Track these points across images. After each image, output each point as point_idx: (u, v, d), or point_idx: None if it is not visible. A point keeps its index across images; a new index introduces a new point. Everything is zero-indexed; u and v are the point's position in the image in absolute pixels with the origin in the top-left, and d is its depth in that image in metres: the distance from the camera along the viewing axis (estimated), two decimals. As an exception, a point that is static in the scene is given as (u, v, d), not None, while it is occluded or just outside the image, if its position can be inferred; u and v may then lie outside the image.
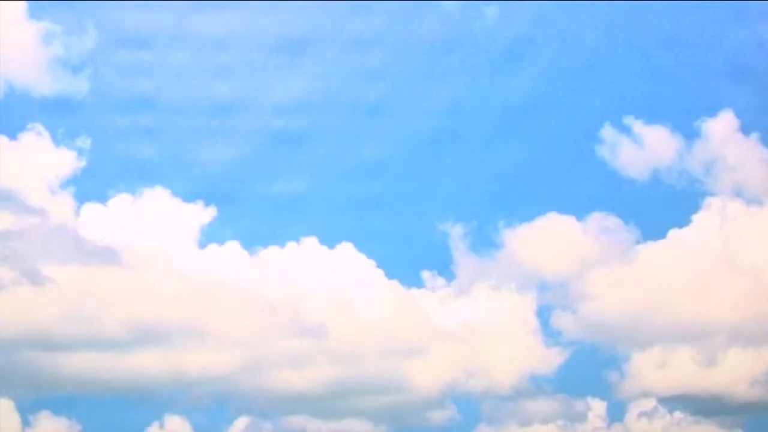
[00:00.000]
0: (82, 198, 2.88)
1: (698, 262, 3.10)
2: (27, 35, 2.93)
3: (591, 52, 2.92)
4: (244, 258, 3.00)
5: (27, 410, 2.92)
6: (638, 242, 3.00)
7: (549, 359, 3.17)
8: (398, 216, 2.80)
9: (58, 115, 2.86)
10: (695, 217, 3.11)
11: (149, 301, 2.98)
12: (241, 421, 3.12)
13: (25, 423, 2.95)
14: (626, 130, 2.98)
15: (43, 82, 2.86)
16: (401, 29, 2.90)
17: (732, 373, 3.11)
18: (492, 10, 2.91)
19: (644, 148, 3.05)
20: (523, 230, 2.91)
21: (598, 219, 3.02)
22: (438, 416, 3.59)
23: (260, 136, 2.90)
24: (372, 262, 3.06)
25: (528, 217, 2.90)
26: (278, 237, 2.89)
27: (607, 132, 2.91)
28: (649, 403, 3.12)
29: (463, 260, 3.05)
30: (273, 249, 2.99)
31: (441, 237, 2.84)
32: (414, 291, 3.31)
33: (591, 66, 2.90)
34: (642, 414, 3.13)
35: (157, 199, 2.90)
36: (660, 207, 3.10)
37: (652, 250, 3.04)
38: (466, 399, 3.20)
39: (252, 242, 2.88)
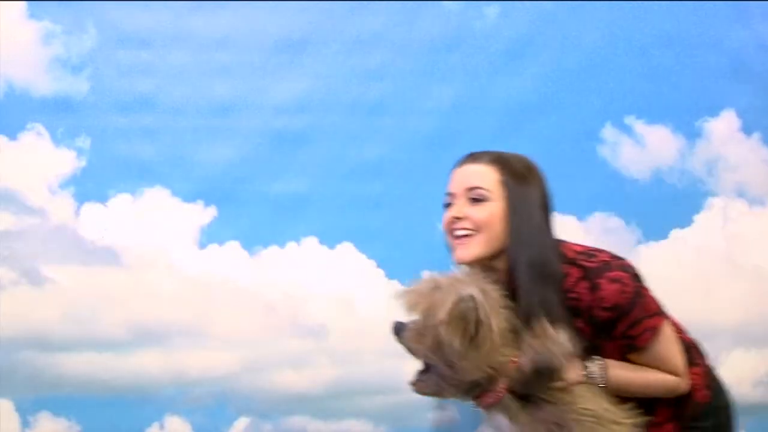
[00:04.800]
0: (82, 198, 2.86)
1: (700, 262, 3.09)
2: (27, 35, 2.92)
3: (591, 51, 2.90)
4: (244, 258, 2.97)
5: (26, 411, 2.91)
6: (640, 242, 2.99)
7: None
8: (399, 216, 2.78)
9: (58, 115, 2.85)
10: (697, 218, 3.10)
11: (149, 301, 2.96)
12: (241, 422, 3.10)
13: (25, 424, 2.95)
14: (627, 130, 2.97)
15: (43, 82, 2.85)
16: (401, 29, 2.88)
17: (735, 374, 3.10)
18: (492, 10, 2.89)
19: (646, 148, 3.04)
20: (523, 230, 2.92)
21: (599, 219, 3.01)
22: (438, 417, 3.58)
23: (260, 136, 2.88)
24: (372, 262, 3.03)
25: (529, 217, 2.92)
26: (278, 237, 2.86)
27: (609, 132, 2.89)
28: (651, 405, 3.13)
29: (464, 261, 3.05)
30: (273, 249, 2.95)
31: (442, 237, 2.82)
32: (415, 291, 3.30)
33: (592, 66, 2.88)
34: (644, 415, 3.13)
35: (157, 199, 2.87)
36: (662, 207, 3.09)
37: (653, 250, 3.02)
38: (467, 400, 3.20)
39: (252, 242, 2.85)
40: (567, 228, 3.45)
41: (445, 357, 1.36)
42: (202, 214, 3.10)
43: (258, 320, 3.13)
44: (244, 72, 3.11)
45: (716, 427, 1.59)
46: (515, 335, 1.41)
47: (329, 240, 3.12)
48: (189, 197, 3.14)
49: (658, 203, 3.21)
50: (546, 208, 1.57)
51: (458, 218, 1.48)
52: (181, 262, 3.16)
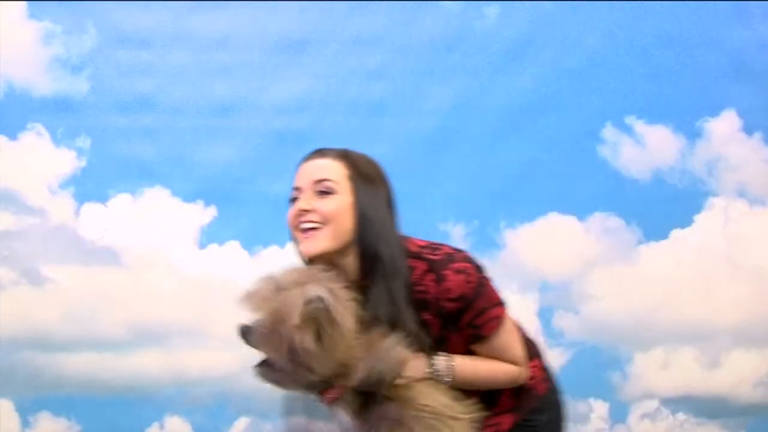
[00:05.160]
0: (82, 198, 2.86)
1: (701, 262, 3.08)
2: (27, 35, 2.92)
3: (592, 51, 2.89)
4: (244, 258, 2.96)
5: (27, 411, 2.91)
6: (640, 242, 2.99)
7: (551, 360, 3.16)
8: (399, 216, 2.79)
9: (58, 115, 2.85)
10: (698, 218, 3.09)
11: (149, 301, 2.95)
12: (241, 422, 3.08)
13: (25, 424, 2.94)
14: (628, 130, 2.97)
15: (43, 82, 2.84)
16: (401, 29, 2.88)
17: (736, 374, 3.10)
18: (492, 10, 2.88)
19: (646, 148, 3.03)
20: (524, 230, 2.89)
21: (599, 219, 3.00)
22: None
23: (260, 136, 2.87)
24: (372, 263, 3.05)
25: (529, 217, 2.88)
26: (278, 237, 2.85)
27: (609, 132, 2.89)
28: (652, 405, 3.11)
29: (464, 261, 3.05)
30: (273, 249, 2.94)
31: (442, 237, 2.82)
32: (415, 291, 3.32)
33: (592, 65, 2.87)
34: (645, 415, 3.12)
35: (157, 199, 2.86)
36: (662, 207, 3.09)
37: (654, 250, 3.02)
38: (467, 400, 3.21)
39: (252, 242, 2.85)
40: (567, 228, 3.44)
41: (299, 360, 1.35)
42: (202, 214, 3.10)
43: (258, 320, 3.10)
44: (244, 72, 3.11)
45: (550, 422, 1.60)
46: (362, 328, 1.41)
47: (329, 240, 3.10)
48: (189, 197, 3.14)
49: (659, 203, 3.20)
50: (391, 207, 1.58)
51: (305, 211, 1.48)
52: (181, 262, 3.16)
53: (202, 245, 3.09)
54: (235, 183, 3.06)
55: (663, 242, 3.16)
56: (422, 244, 1.57)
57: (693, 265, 3.26)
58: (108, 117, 3.07)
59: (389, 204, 1.55)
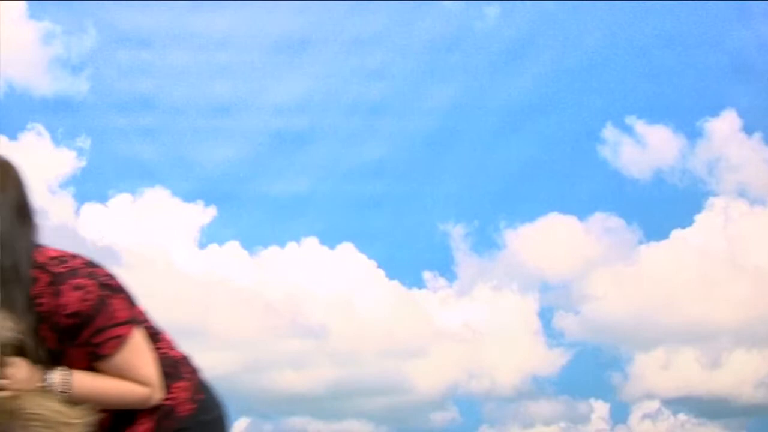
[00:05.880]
0: (82, 198, 2.86)
1: (701, 262, 3.07)
2: (27, 35, 2.91)
3: (592, 51, 2.89)
4: (244, 258, 2.95)
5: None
6: (641, 242, 2.98)
7: (551, 360, 3.13)
8: (399, 216, 2.76)
9: (58, 115, 2.85)
10: (698, 218, 3.08)
11: (149, 300, 2.94)
12: (242, 422, 3.08)
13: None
14: (628, 130, 2.96)
15: (43, 82, 2.84)
16: (401, 29, 2.88)
17: (737, 374, 3.08)
18: (492, 10, 2.89)
19: (646, 148, 3.03)
20: (524, 230, 2.88)
21: (600, 219, 3.00)
22: (439, 417, 3.55)
23: (260, 136, 2.88)
24: (373, 263, 3.01)
25: (529, 217, 2.87)
26: (278, 237, 2.85)
27: (609, 132, 2.88)
28: (653, 405, 3.10)
29: (465, 261, 3.01)
30: (273, 249, 2.93)
31: (442, 237, 2.81)
32: (415, 291, 3.28)
33: (592, 65, 2.87)
34: (646, 416, 3.11)
35: (157, 199, 2.85)
36: (663, 207, 3.08)
37: (654, 250, 3.00)
38: (467, 400, 3.17)
39: (252, 242, 2.84)
40: (568, 228, 3.43)
41: None
42: (202, 214, 3.09)
43: (258, 320, 3.11)
44: (244, 72, 3.10)
45: None
46: None
47: (329, 240, 3.10)
48: (189, 197, 3.13)
49: (659, 203, 3.19)
50: (22, 211, 1.53)
51: None
52: (181, 262, 3.14)
53: (202, 245, 3.08)
54: (235, 183, 3.05)
55: (663, 242, 3.15)
56: (53, 254, 1.53)
57: (693, 265, 3.25)
58: (108, 117, 3.06)
59: (19, 210, 1.51)
